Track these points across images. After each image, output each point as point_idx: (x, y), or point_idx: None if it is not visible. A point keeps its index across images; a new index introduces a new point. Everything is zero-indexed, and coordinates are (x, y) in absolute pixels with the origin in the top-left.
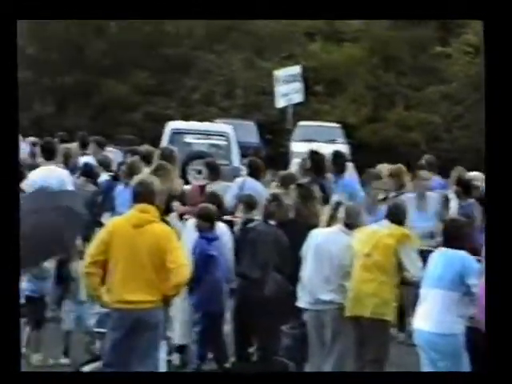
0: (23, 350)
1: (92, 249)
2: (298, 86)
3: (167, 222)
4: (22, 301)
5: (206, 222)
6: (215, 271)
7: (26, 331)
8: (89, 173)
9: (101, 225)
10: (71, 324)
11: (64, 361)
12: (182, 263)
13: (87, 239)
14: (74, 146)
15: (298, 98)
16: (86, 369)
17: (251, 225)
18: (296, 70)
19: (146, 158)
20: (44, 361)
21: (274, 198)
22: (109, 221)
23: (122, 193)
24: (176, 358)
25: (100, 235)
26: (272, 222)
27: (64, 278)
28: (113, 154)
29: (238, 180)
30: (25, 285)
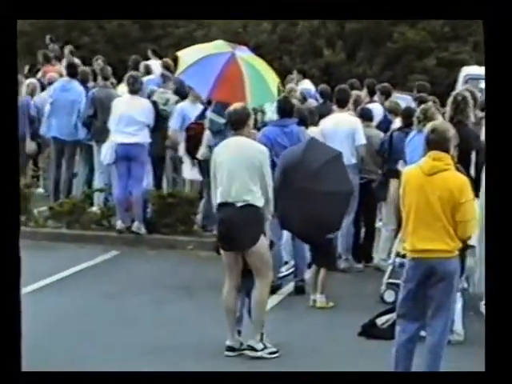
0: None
1: None
2: None
3: (461, 171)
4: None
5: None
6: None
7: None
8: (370, 118)
9: (396, 173)
10: None
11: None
12: (469, 218)
13: None
14: (363, 93)
15: None
16: (382, 319)
17: None
18: None
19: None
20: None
21: None
22: (404, 169)
23: (413, 139)
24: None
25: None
26: None
27: None
28: (403, 100)
29: None
30: None
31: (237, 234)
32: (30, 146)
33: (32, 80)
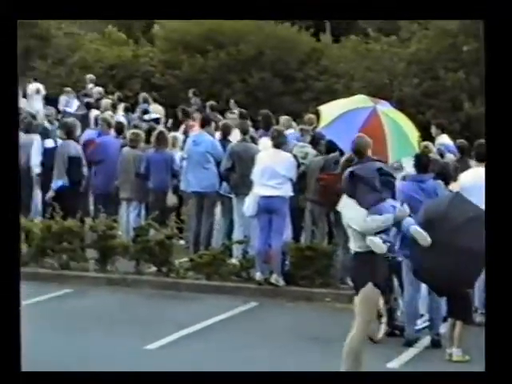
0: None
1: None
2: None
3: None
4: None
5: None
6: None
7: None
8: None
9: None
10: None
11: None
12: None
13: None
14: None
15: None
16: None
17: None
18: None
19: None
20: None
21: None
22: None
23: None
24: None
25: None
26: None
27: None
28: None
29: None
30: None
31: (351, 278)
32: (172, 199)
33: (176, 134)
